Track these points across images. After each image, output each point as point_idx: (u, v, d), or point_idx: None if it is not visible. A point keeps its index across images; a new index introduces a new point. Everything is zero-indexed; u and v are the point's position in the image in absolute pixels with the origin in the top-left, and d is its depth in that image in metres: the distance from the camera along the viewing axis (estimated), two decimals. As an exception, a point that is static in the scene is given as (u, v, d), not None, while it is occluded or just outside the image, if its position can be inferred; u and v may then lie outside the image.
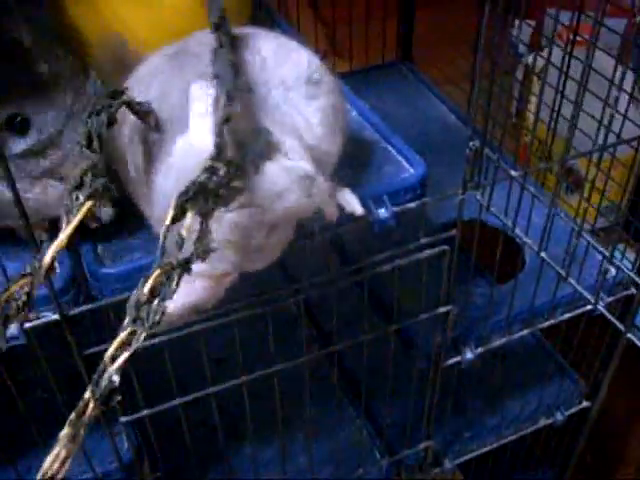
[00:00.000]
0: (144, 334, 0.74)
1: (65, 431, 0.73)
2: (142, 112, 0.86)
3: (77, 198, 0.77)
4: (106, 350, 0.92)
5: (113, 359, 0.74)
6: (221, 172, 0.76)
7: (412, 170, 1.07)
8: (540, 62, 1.80)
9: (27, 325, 0.92)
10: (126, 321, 0.74)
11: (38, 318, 0.93)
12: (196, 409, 1.11)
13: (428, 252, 1.07)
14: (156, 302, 0.73)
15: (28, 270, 0.76)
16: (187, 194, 0.74)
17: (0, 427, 1.16)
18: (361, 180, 1.05)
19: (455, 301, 1.18)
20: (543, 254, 1.07)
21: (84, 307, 0.95)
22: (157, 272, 0.73)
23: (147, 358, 0.99)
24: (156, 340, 0.96)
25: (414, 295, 1.18)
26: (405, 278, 1.09)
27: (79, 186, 0.78)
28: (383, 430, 1.48)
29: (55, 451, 0.71)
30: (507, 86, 1.60)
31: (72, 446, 0.72)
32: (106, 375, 0.74)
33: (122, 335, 0.73)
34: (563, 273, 1.05)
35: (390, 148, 1.12)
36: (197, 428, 1.36)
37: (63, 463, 0.71)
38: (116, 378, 0.73)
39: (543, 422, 1.53)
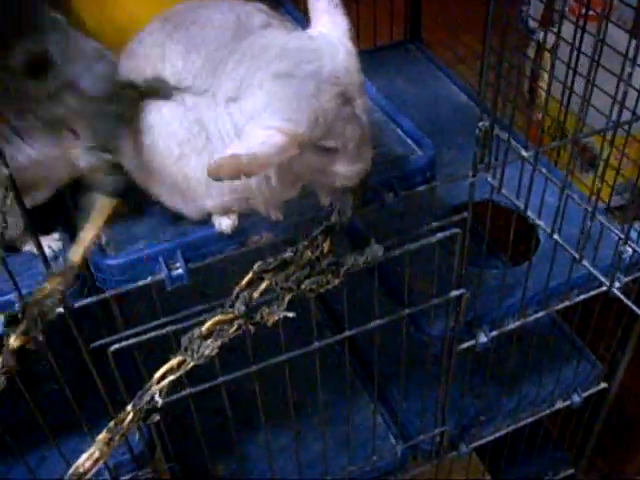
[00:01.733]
0: (192, 364, 0.87)
1: (102, 435, 0.85)
2: (161, 90, 0.87)
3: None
4: (112, 343, 0.94)
5: (160, 380, 0.87)
6: (305, 254, 0.90)
7: (421, 152, 1.05)
8: (552, 38, 1.76)
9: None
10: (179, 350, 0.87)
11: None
12: (209, 398, 1.10)
13: (439, 235, 1.04)
14: (210, 341, 0.87)
15: (61, 269, 0.82)
16: (268, 265, 0.89)
17: (12, 418, 1.15)
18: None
19: (468, 284, 1.16)
20: (556, 236, 1.04)
21: (88, 299, 0.93)
22: (219, 317, 0.88)
23: (157, 348, 0.98)
24: (164, 330, 0.95)
25: (427, 278, 1.16)
26: (417, 261, 1.07)
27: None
28: (398, 415, 1.47)
29: (90, 451, 0.84)
30: (518, 64, 1.57)
31: (107, 449, 0.84)
32: (149, 392, 0.87)
33: (172, 361, 0.87)
34: (577, 256, 1.02)
35: (399, 130, 1.09)
36: (211, 417, 1.35)
37: (95, 462, 0.84)
38: (159, 399, 0.87)
39: (560, 404, 1.51)
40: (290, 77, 0.82)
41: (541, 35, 1.86)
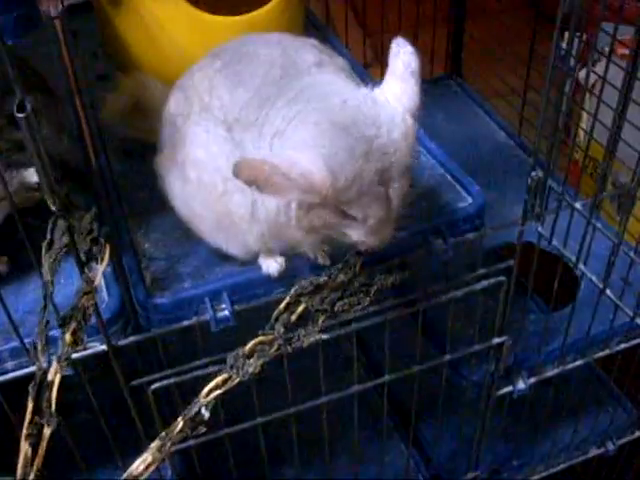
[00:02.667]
0: (237, 380, 0.91)
1: (155, 443, 0.92)
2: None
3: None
4: (153, 381, 0.93)
5: (207, 395, 0.92)
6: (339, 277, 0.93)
7: (470, 199, 1.04)
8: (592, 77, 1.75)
9: (74, 356, 0.90)
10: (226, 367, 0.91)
11: (86, 349, 0.91)
12: (239, 430, 1.10)
13: (484, 283, 1.03)
14: (253, 359, 0.91)
15: (87, 288, 0.84)
16: (304, 289, 0.91)
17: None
18: (418, 208, 1.02)
19: (508, 331, 1.14)
20: (609, 292, 1.03)
21: (132, 338, 0.93)
22: (260, 338, 0.92)
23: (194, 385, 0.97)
24: (206, 371, 0.94)
25: (467, 322, 1.15)
26: (457, 303, 1.06)
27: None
28: (430, 457, 1.45)
29: (144, 456, 0.92)
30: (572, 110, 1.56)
31: (158, 455, 0.92)
32: (197, 405, 0.92)
33: (219, 378, 0.92)
34: (630, 314, 1.01)
35: (447, 176, 1.08)
36: (241, 449, 1.33)
37: (147, 467, 0.91)
38: (206, 413, 0.92)
39: (594, 452, 1.48)
40: (346, 132, 0.80)
41: (582, 74, 1.85)
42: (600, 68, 1.06)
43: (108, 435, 1.04)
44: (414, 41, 1.66)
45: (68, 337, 0.84)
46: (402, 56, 0.84)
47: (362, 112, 0.82)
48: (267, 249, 0.97)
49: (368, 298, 0.95)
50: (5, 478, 0.95)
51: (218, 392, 0.92)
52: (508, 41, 1.72)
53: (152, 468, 0.92)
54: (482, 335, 1.14)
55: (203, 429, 0.93)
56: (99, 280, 0.85)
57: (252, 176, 0.77)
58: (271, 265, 0.97)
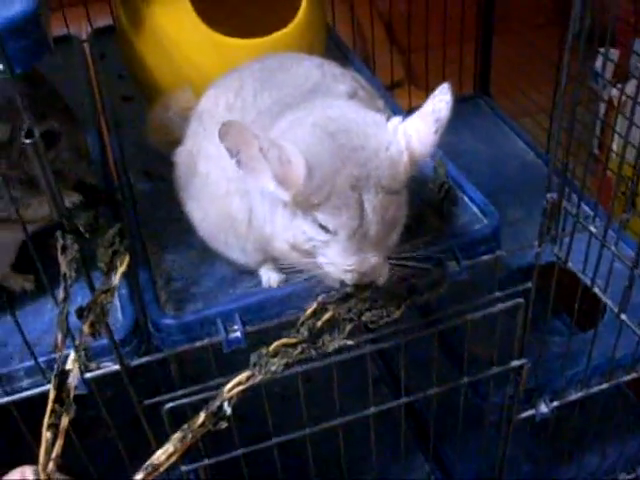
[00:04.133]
0: (259, 377, 0.92)
1: (177, 434, 0.93)
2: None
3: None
4: (165, 402, 0.94)
5: (230, 390, 0.92)
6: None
7: (486, 221, 1.03)
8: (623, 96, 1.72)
9: (88, 375, 0.91)
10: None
11: (99, 368, 0.92)
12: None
13: (501, 306, 1.02)
14: (277, 359, 0.91)
15: (105, 287, 0.86)
16: (332, 297, 0.92)
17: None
18: (432, 229, 1.01)
19: (529, 350, 1.12)
20: (624, 317, 1.01)
21: (145, 358, 0.94)
22: (284, 340, 0.92)
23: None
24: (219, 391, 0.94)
25: (487, 342, 1.13)
26: (478, 324, 1.05)
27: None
28: (453, 478, 1.43)
29: (166, 446, 0.93)
30: (589, 121, 1.54)
31: (180, 445, 0.93)
32: (220, 399, 0.92)
33: (241, 376, 0.92)
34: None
35: (464, 197, 1.07)
36: (260, 466, 1.33)
37: (169, 457, 0.93)
38: (228, 409, 0.92)
39: (623, 477, 1.44)
40: (332, 137, 0.80)
41: (612, 92, 1.82)
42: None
43: (123, 454, 1.05)
44: (442, 59, 1.69)
45: (86, 328, 0.85)
46: (436, 101, 0.81)
47: (356, 124, 0.82)
48: (267, 260, 0.97)
49: (398, 311, 0.93)
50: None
51: (241, 388, 0.92)
52: (536, 59, 1.70)
53: (173, 459, 0.93)
54: (504, 356, 1.13)
55: (224, 424, 0.93)
56: (117, 281, 0.85)
57: (235, 140, 0.76)
58: (272, 277, 0.98)
